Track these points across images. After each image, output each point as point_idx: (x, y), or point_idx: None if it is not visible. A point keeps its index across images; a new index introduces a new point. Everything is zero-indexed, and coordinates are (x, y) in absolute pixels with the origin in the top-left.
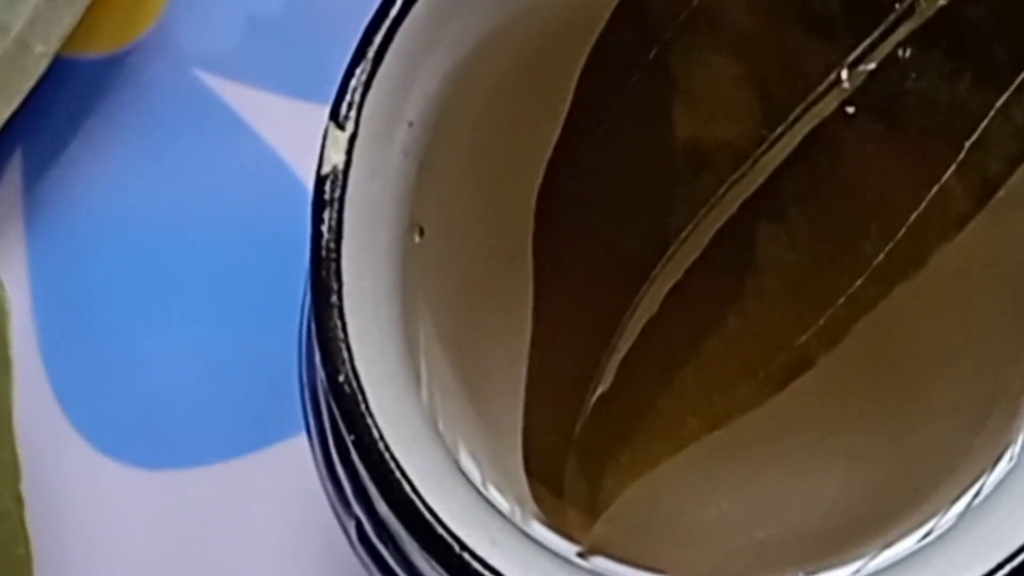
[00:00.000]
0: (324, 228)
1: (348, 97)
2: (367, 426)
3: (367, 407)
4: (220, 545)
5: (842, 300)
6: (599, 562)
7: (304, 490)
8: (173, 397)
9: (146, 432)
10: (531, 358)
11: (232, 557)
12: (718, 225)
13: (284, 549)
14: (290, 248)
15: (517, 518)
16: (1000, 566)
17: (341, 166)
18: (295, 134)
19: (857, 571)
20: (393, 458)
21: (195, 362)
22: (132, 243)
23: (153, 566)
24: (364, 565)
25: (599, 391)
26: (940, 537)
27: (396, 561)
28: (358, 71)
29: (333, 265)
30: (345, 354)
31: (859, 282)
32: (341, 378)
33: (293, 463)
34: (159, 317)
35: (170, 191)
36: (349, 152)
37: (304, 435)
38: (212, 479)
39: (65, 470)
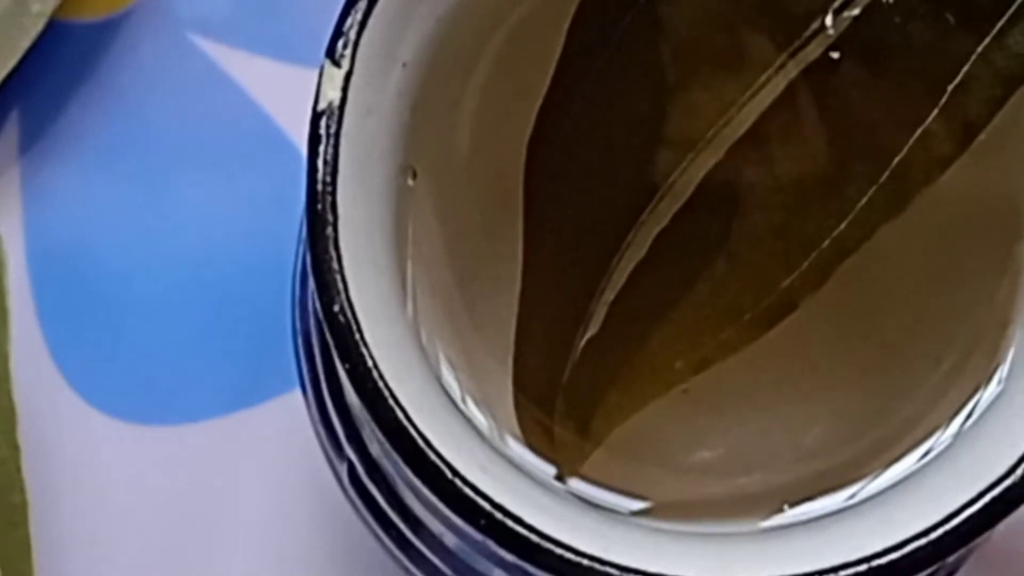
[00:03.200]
0: (320, 162)
1: (344, 35)
2: (361, 355)
3: (361, 336)
4: (210, 500)
5: (826, 243)
6: (577, 484)
7: (294, 446)
8: (165, 353)
9: (138, 387)
10: (521, 302)
11: (222, 511)
12: (705, 169)
13: (274, 504)
14: (282, 207)
15: (495, 436)
16: (991, 487)
17: (337, 102)
18: (288, 98)
19: (853, 495)
20: (387, 386)
21: (187, 319)
22: (126, 202)
23: (144, 520)
24: (355, 508)
25: (588, 334)
26: (934, 459)
27: (387, 501)
28: (354, 10)
29: (329, 198)
30: (340, 285)
31: (843, 224)
32: (336, 308)
33: (283, 420)
34: (153, 274)
35: (164, 151)
36: (345, 89)
37: (294, 393)
38: (202, 435)
39: (58, 423)
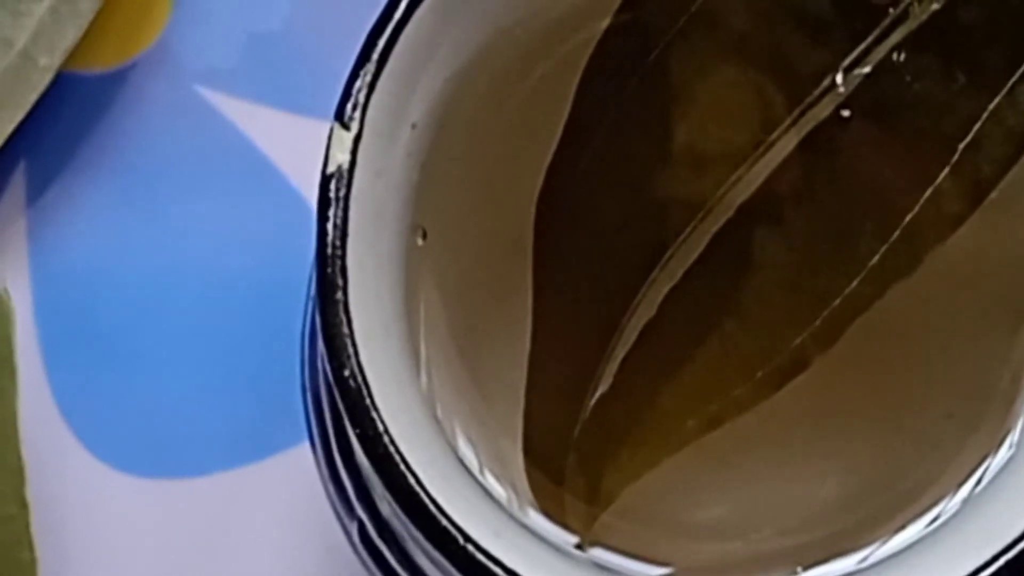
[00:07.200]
0: (329, 226)
1: (353, 98)
2: (372, 419)
3: (372, 400)
4: (219, 554)
5: (838, 301)
6: (597, 552)
7: (303, 500)
8: (173, 407)
9: (146, 441)
10: (531, 360)
11: (231, 566)
12: (716, 228)
13: (283, 559)
14: (290, 261)
15: (514, 507)
16: (1001, 553)
17: (346, 165)
18: (295, 149)
19: (864, 559)
20: (398, 451)
21: (195, 373)
22: (133, 255)
23: (152, 574)
24: (366, 567)
25: (599, 392)
26: (944, 524)
27: (398, 561)
28: (363, 72)
29: (339, 262)
30: (350, 349)
31: (854, 283)
32: (346, 372)
33: (292, 474)
34: (160, 328)
35: (171, 204)
36: (354, 152)
37: (303, 446)
38: (211, 489)
39: (66, 478)
